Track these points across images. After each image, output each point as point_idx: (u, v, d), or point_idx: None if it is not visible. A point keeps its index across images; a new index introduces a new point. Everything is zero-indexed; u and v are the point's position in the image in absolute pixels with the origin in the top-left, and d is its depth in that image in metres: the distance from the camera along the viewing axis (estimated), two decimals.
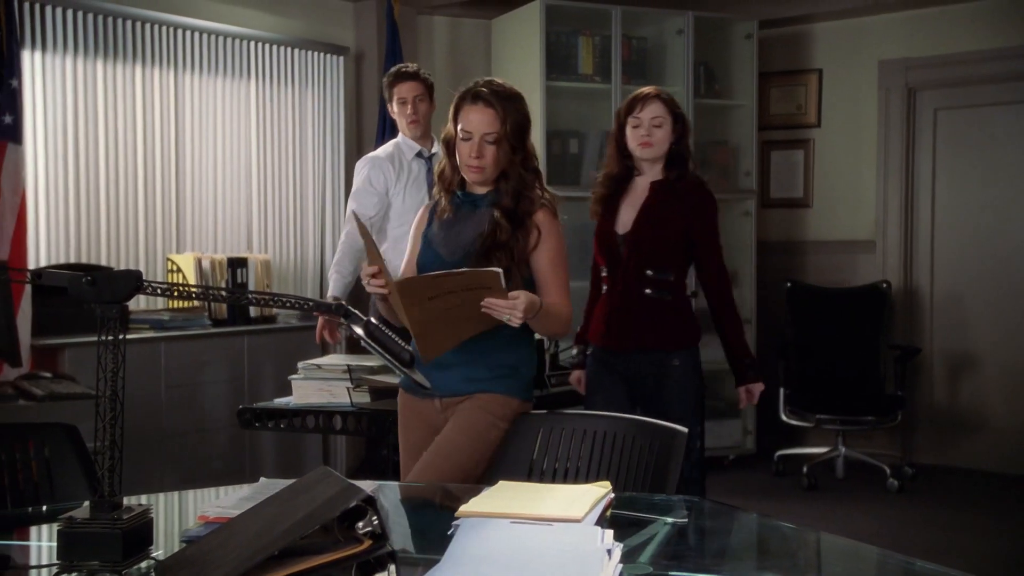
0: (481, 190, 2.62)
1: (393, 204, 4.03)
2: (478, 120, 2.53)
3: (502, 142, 2.53)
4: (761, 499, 5.00)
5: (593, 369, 3.31)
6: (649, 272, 3.20)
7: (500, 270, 2.33)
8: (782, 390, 5.51)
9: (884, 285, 5.70)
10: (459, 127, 2.56)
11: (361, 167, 4.07)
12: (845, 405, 5.44)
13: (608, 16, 5.41)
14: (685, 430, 2.28)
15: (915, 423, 5.79)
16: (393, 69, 4.19)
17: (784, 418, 5.51)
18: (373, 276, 2.40)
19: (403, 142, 4.10)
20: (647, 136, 3.18)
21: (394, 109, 4.10)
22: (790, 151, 6.20)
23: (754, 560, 1.89)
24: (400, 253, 4.11)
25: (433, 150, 4.08)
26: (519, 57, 5.46)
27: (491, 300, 2.32)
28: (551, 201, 2.62)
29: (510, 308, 2.34)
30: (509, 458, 2.45)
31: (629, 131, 3.21)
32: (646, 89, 3.27)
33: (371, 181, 4.00)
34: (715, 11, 5.74)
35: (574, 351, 3.48)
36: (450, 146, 2.61)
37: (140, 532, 1.60)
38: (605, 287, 3.31)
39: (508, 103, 2.54)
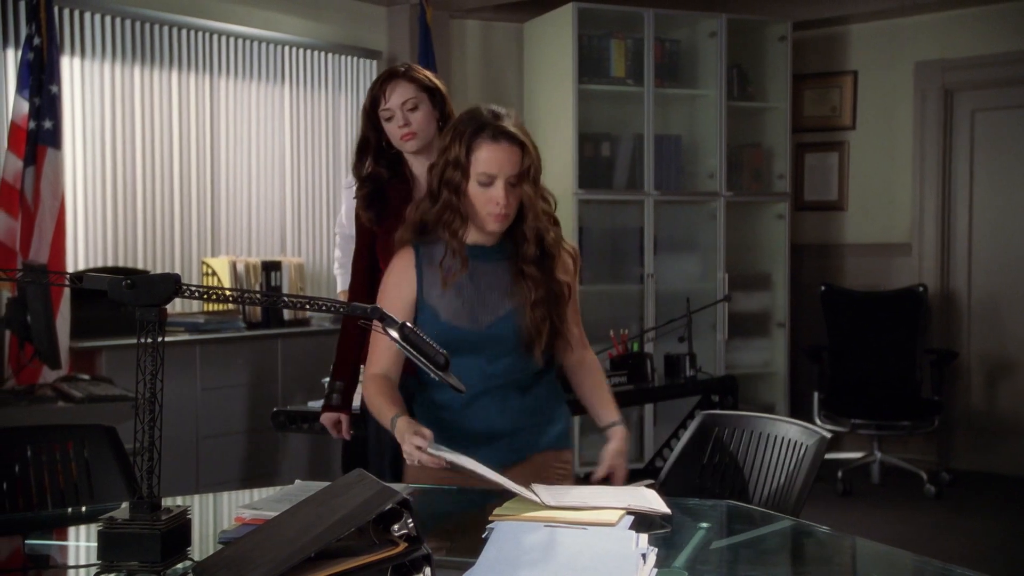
0: (490, 240, 2.24)
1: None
2: (504, 160, 2.14)
3: (525, 184, 2.19)
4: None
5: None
6: None
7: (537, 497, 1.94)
8: (816, 395, 5.47)
9: (920, 288, 5.64)
10: (474, 168, 2.15)
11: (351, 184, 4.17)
12: (881, 410, 5.38)
13: (640, 19, 5.40)
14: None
15: (952, 428, 5.72)
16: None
17: (818, 423, 5.47)
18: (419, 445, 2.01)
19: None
20: (405, 126, 2.64)
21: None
22: (824, 154, 6.16)
23: (788, 565, 1.87)
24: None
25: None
26: (551, 60, 5.47)
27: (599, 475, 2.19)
28: (573, 249, 2.33)
29: (616, 473, 2.21)
30: None
31: (385, 126, 2.68)
32: (384, 72, 2.75)
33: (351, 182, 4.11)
34: (749, 13, 5.71)
35: (335, 386, 2.82)
36: (455, 187, 2.18)
37: (179, 533, 1.62)
38: None
39: (528, 138, 2.21)
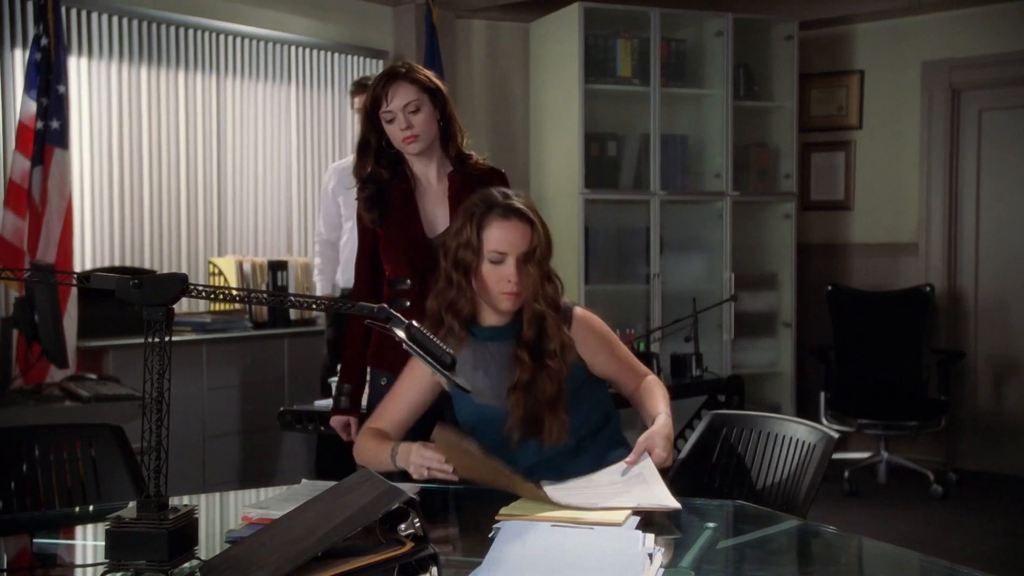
0: (502, 320, 2.25)
1: (344, 210, 4.22)
2: (516, 238, 2.17)
3: (530, 264, 2.19)
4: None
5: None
6: None
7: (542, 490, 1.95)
8: (823, 394, 5.46)
9: (927, 288, 5.62)
10: (485, 247, 2.18)
11: (326, 177, 4.34)
12: (887, 410, 5.37)
13: (647, 18, 5.40)
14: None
15: (959, 428, 5.71)
16: (358, 79, 4.34)
17: (825, 422, 5.46)
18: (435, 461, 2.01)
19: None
20: (407, 129, 2.61)
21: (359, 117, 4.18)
22: (831, 153, 6.15)
23: (795, 565, 1.87)
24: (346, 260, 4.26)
25: None
26: (557, 60, 5.46)
27: (631, 459, 2.07)
28: (583, 317, 2.30)
29: (653, 454, 2.08)
30: None
31: (386, 128, 2.65)
32: (385, 72, 2.70)
33: (325, 188, 4.34)
34: (755, 13, 5.71)
35: (343, 388, 2.78)
36: (466, 267, 2.20)
37: (186, 532, 1.62)
38: (408, 302, 2.66)
39: (538, 217, 2.23)
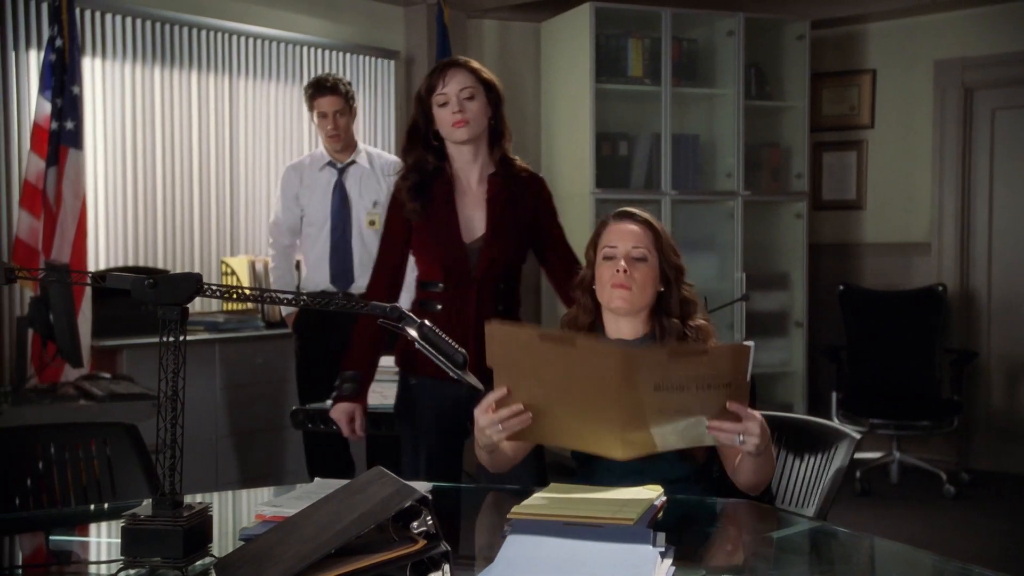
0: (631, 332, 2.18)
1: (305, 212, 4.23)
2: (628, 235, 2.17)
3: (656, 265, 2.17)
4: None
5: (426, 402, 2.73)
6: (502, 286, 2.67)
7: (752, 344, 1.85)
8: (835, 394, 5.46)
9: (940, 288, 5.61)
10: (600, 246, 2.20)
11: (284, 180, 4.34)
12: (900, 410, 5.36)
13: (658, 18, 5.40)
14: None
15: (972, 429, 5.69)
16: (312, 80, 4.24)
17: (837, 422, 5.44)
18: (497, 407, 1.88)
19: (317, 152, 4.29)
20: (459, 112, 2.59)
21: (314, 120, 4.20)
22: (843, 152, 6.13)
23: (807, 564, 1.87)
24: (309, 264, 4.24)
25: (351, 159, 4.19)
26: (568, 60, 5.47)
27: (717, 422, 1.83)
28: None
29: (743, 428, 1.84)
30: None
31: (436, 112, 2.62)
32: (442, 61, 2.76)
33: (281, 188, 4.30)
34: (766, 12, 5.70)
35: (347, 375, 2.71)
36: (584, 283, 2.23)
37: (200, 530, 1.64)
38: (439, 305, 2.64)
39: (658, 225, 2.23)
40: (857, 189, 6.10)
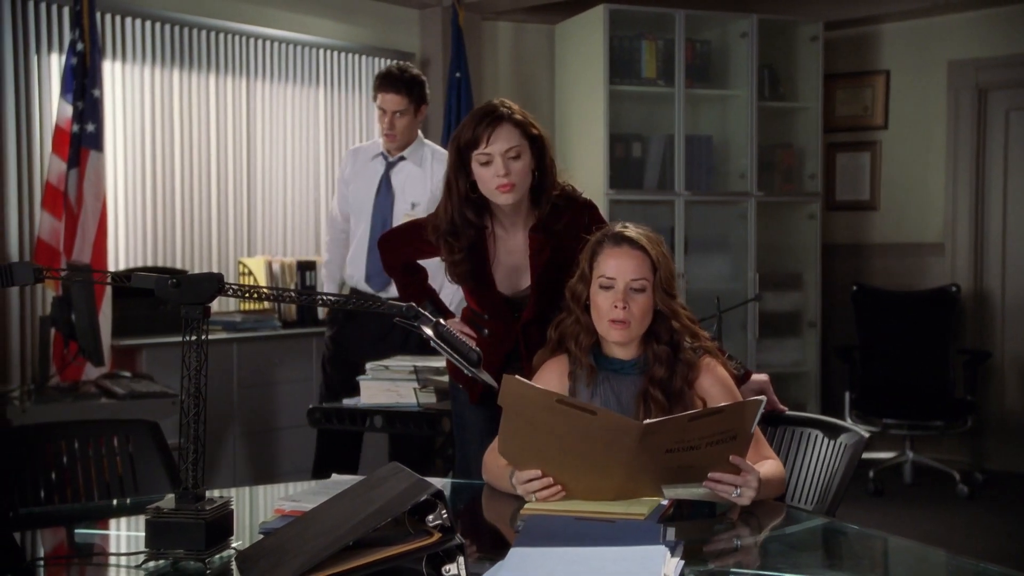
0: (624, 354, 2.19)
1: (350, 200, 4.01)
2: (625, 266, 2.13)
3: (655, 291, 2.14)
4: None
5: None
6: (549, 317, 2.42)
7: (763, 399, 1.91)
8: (848, 394, 5.47)
9: (953, 288, 5.61)
10: (596, 273, 2.15)
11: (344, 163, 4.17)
12: (913, 410, 5.37)
13: (671, 20, 5.42)
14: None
15: (986, 429, 5.69)
16: (384, 70, 3.92)
17: (849, 422, 5.45)
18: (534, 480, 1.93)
19: (377, 140, 4.03)
20: (505, 176, 2.40)
21: (376, 112, 3.93)
22: (856, 153, 6.14)
23: (815, 559, 1.90)
24: (348, 257, 3.98)
25: (401, 155, 3.89)
26: (582, 61, 5.50)
27: (717, 475, 1.90)
28: (714, 348, 2.22)
29: (741, 482, 1.90)
30: None
31: (477, 171, 2.43)
32: (485, 110, 2.46)
33: (342, 172, 4.11)
34: (780, 13, 5.72)
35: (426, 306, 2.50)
36: (577, 297, 2.20)
37: (222, 523, 1.68)
38: (486, 331, 2.62)
39: (656, 248, 2.17)
40: (871, 190, 6.11)
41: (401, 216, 3.77)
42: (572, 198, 2.55)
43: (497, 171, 2.39)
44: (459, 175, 2.45)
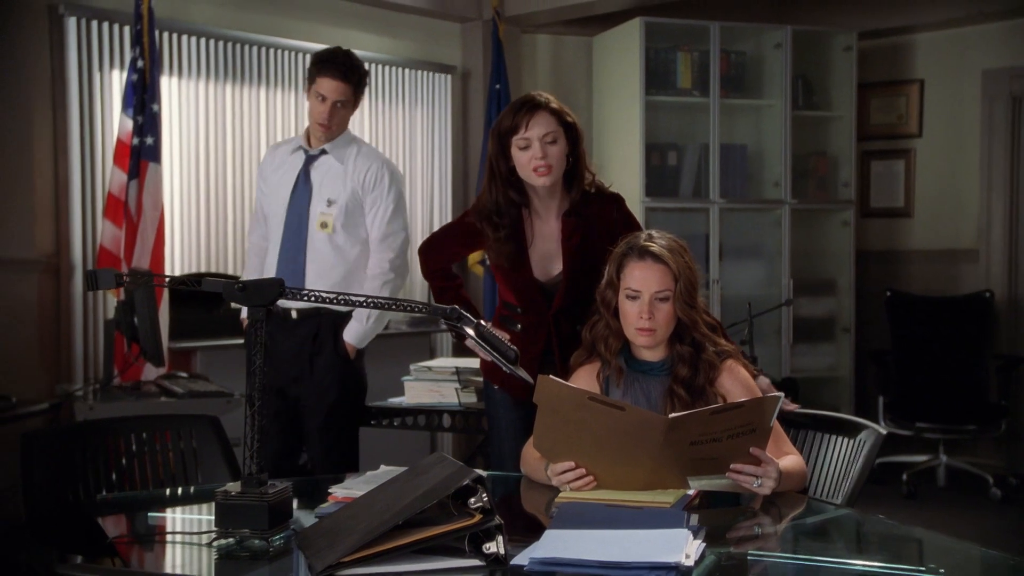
0: (652, 356, 2.37)
1: (265, 199, 3.52)
2: (650, 278, 2.29)
3: (676, 300, 2.29)
4: (858, 504, 5.02)
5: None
6: (580, 309, 2.62)
7: (782, 395, 2.07)
8: (881, 398, 5.54)
9: (987, 294, 5.66)
10: (623, 284, 2.32)
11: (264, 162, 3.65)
12: (946, 414, 5.43)
13: (706, 32, 5.54)
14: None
15: (1019, 433, 5.72)
16: (323, 52, 3.40)
17: (883, 425, 5.53)
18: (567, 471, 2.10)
19: (293, 137, 3.71)
20: (543, 159, 2.59)
21: (308, 97, 3.39)
22: (890, 161, 6.21)
23: (836, 546, 2.00)
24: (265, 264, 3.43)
25: (323, 147, 3.39)
26: (619, 72, 5.63)
27: (739, 466, 2.05)
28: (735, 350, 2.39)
29: (762, 472, 2.06)
30: None
31: (516, 155, 2.63)
32: (524, 100, 2.64)
33: (260, 169, 3.64)
34: (814, 24, 5.81)
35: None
36: (607, 302, 2.36)
37: (283, 506, 1.85)
38: (519, 325, 2.77)
39: (680, 258, 2.32)
40: (905, 197, 6.17)
41: (316, 215, 3.35)
42: (601, 190, 2.75)
43: (535, 155, 2.58)
44: (500, 160, 2.65)
